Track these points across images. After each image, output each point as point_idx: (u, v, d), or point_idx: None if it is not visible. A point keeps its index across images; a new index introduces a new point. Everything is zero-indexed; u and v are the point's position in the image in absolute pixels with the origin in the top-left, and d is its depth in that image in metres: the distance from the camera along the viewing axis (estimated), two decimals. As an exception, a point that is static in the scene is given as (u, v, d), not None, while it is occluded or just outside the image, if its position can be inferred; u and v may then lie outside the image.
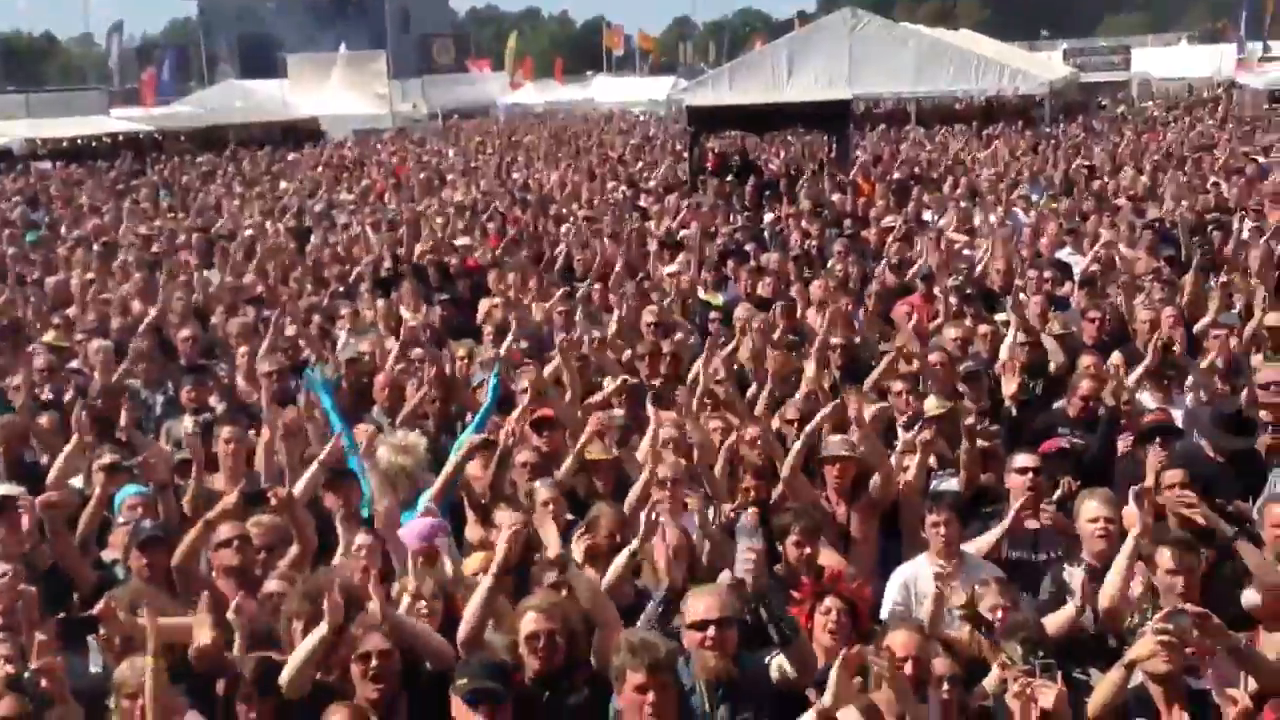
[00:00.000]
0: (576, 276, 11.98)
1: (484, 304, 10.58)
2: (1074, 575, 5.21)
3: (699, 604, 4.29)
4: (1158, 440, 6.35)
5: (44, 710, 4.17)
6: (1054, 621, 4.80)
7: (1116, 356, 7.85)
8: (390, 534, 5.46)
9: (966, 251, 12.14)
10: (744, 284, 11.00)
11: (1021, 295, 9.66)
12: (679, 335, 9.06)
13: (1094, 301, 9.24)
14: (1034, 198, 15.88)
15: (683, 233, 13.76)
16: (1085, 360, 7.72)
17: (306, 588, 4.65)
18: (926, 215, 15.06)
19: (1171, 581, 4.77)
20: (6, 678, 4.26)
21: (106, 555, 5.87)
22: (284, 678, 4.30)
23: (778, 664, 4.34)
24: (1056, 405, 7.48)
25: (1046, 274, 10.32)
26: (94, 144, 34.14)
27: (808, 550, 5.34)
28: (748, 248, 12.83)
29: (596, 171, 21.68)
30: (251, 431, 7.13)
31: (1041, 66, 36.11)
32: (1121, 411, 6.95)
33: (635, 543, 4.94)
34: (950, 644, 4.54)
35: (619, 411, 7.20)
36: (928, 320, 9.37)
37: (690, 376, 7.85)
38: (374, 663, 4.24)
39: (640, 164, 23.60)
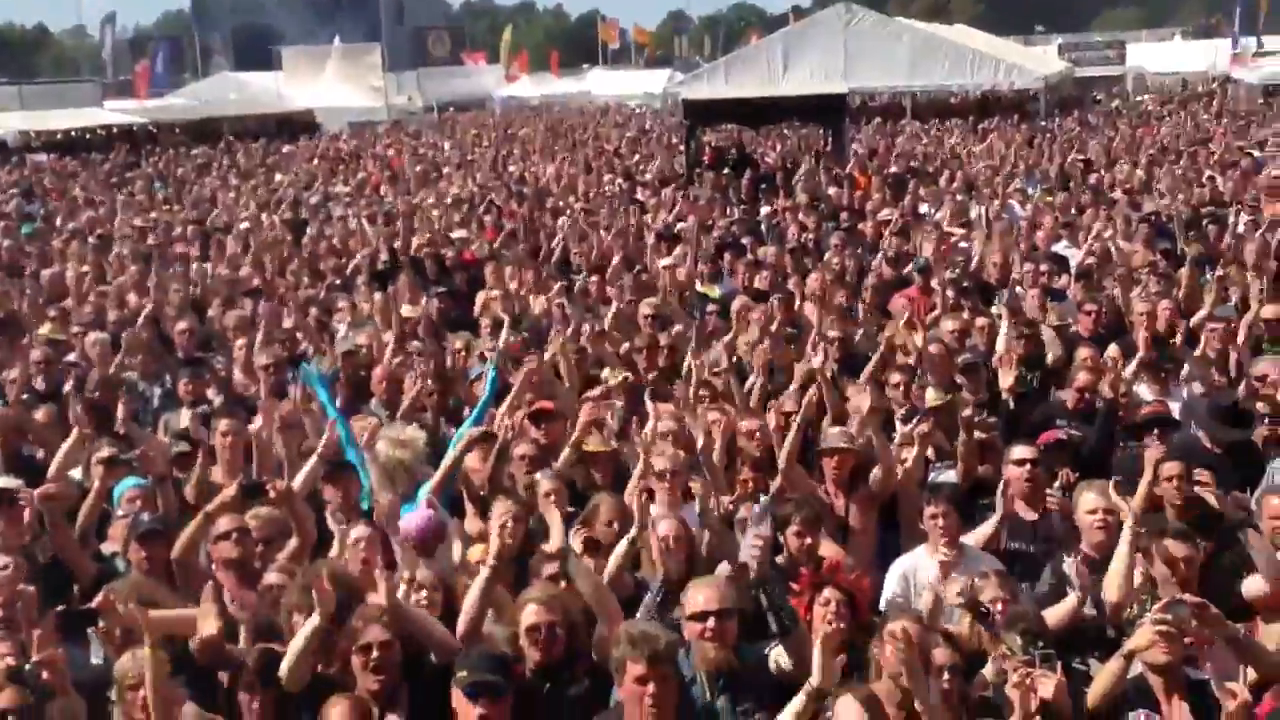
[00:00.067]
0: (573, 269, 11.98)
1: (482, 296, 10.57)
2: (1073, 566, 5.22)
3: (699, 595, 4.30)
4: (1155, 432, 6.37)
5: (45, 702, 4.17)
6: (1056, 613, 4.82)
7: (1113, 349, 7.87)
8: (391, 527, 5.46)
9: (963, 245, 12.15)
10: (741, 277, 11.01)
11: (1018, 288, 9.68)
12: (677, 328, 9.06)
13: (1090, 294, 9.26)
14: (1030, 191, 15.91)
15: (679, 226, 13.76)
16: (1082, 352, 7.73)
17: (305, 580, 4.64)
18: (923, 209, 15.07)
19: (1170, 572, 4.80)
20: (7, 670, 4.25)
21: (106, 548, 5.86)
22: (283, 669, 4.31)
23: (776, 655, 4.36)
24: (1054, 397, 7.50)
25: (1043, 267, 10.34)
26: (88, 136, 34.06)
27: (809, 540, 5.35)
28: (744, 241, 12.82)
29: (593, 165, 21.66)
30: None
31: (1036, 61, 36.19)
32: (1119, 403, 6.97)
33: (632, 532, 4.96)
34: (950, 635, 4.56)
35: (615, 401, 7.20)
36: (925, 313, 9.38)
37: (685, 368, 7.85)
38: (375, 654, 4.24)
39: (637, 157, 23.59)
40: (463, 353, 8.52)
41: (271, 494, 5.43)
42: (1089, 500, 5.35)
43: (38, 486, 5.80)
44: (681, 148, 20.91)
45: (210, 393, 8.15)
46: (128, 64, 55.94)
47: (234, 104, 42.46)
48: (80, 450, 6.61)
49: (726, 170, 18.80)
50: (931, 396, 6.94)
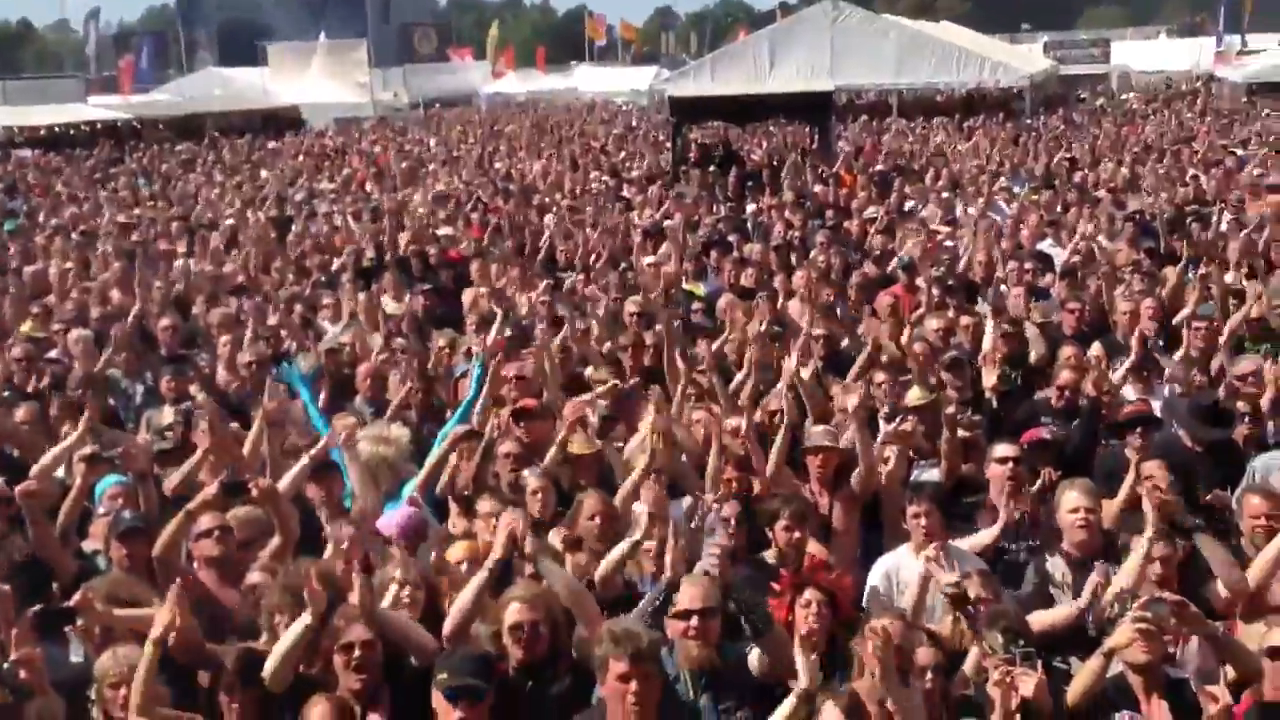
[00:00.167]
0: (560, 267, 11.96)
1: (469, 294, 10.56)
2: (1056, 566, 5.25)
3: (683, 594, 4.31)
4: (1138, 430, 6.40)
5: (24, 702, 4.14)
6: (1050, 617, 4.85)
7: (1097, 347, 7.89)
8: (367, 527, 5.44)
9: (949, 243, 12.18)
10: (727, 274, 11.01)
11: (1003, 286, 9.70)
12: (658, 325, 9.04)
13: (1074, 292, 9.28)
14: (1015, 189, 15.95)
15: (666, 223, 13.75)
16: (1066, 351, 7.76)
17: (287, 580, 4.62)
18: (909, 206, 15.10)
19: (1149, 571, 4.82)
20: (-15, 669, 4.23)
21: (88, 546, 5.83)
22: (267, 669, 4.27)
23: (755, 656, 4.36)
24: (1039, 396, 7.52)
25: (1027, 265, 10.37)
26: (72, 132, 33.90)
27: (797, 535, 5.36)
28: (730, 238, 12.83)
29: (579, 162, 21.65)
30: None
31: (1022, 59, 36.28)
32: (1102, 402, 6.99)
33: (636, 536, 4.88)
34: (933, 634, 4.57)
35: (589, 396, 7.18)
36: (910, 311, 9.39)
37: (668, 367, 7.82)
38: (356, 653, 4.22)
39: (623, 154, 23.57)
40: (447, 350, 8.50)
41: (254, 492, 5.40)
42: (1071, 499, 5.35)
43: (17, 484, 5.74)
44: (668, 145, 20.89)
45: (193, 390, 8.11)
46: (112, 60, 55.72)
47: (219, 100, 42.32)
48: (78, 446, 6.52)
49: (712, 167, 18.80)
50: (915, 395, 6.95)
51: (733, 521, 5.47)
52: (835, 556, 5.62)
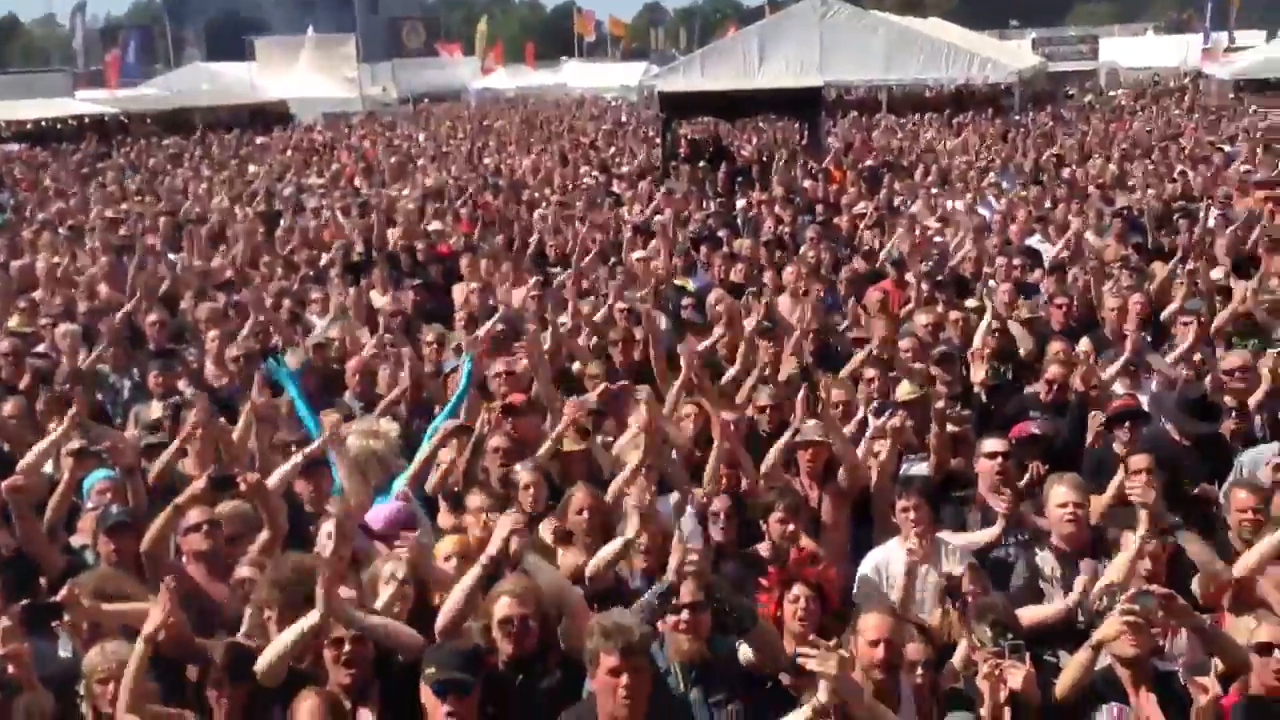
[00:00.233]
0: (549, 262, 11.95)
1: (459, 289, 10.53)
2: (1046, 560, 5.26)
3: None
4: (1126, 424, 6.42)
5: (12, 697, 4.13)
6: (1040, 613, 4.88)
7: (1085, 342, 7.92)
8: (355, 523, 5.41)
9: (938, 239, 12.21)
10: (716, 270, 11.03)
11: (991, 282, 9.73)
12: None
13: (1062, 288, 9.31)
14: (1004, 186, 15.99)
15: (655, 219, 13.75)
16: (1054, 346, 7.78)
17: (275, 575, 4.60)
18: (898, 202, 15.12)
19: (1137, 564, 4.84)
20: (-28, 665, 4.21)
21: (75, 541, 5.82)
22: (261, 665, 4.24)
23: (745, 650, 4.37)
24: (1028, 390, 7.54)
25: (1016, 261, 10.40)
26: (59, 126, 33.76)
27: (791, 527, 5.38)
28: (720, 234, 12.84)
29: (569, 157, 21.63)
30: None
31: (1010, 55, 36.25)
32: (1090, 397, 7.01)
33: (629, 534, 4.87)
34: (923, 629, 4.58)
35: (592, 397, 7.18)
36: (899, 306, 9.41)
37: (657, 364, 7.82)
38: (347, 648, 4.20)
39: (612, 149, 23.56)
40: (435, 346, 8.49)
41: (242, 486, 5.38)
42: (1059, 494, 5.36)
43: (4, 479, 5.71)
44: (657, 140, 20.91)
45: (181, 385, 8.09)
46: (99, 54, 55.42)
47: (206, 94, 42.15)
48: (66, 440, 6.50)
49: (702, 163, 18.83)
50: (904, 390, 6.96)
51: (723, 516, 5.50)
52: (825, 550, 5.63)
